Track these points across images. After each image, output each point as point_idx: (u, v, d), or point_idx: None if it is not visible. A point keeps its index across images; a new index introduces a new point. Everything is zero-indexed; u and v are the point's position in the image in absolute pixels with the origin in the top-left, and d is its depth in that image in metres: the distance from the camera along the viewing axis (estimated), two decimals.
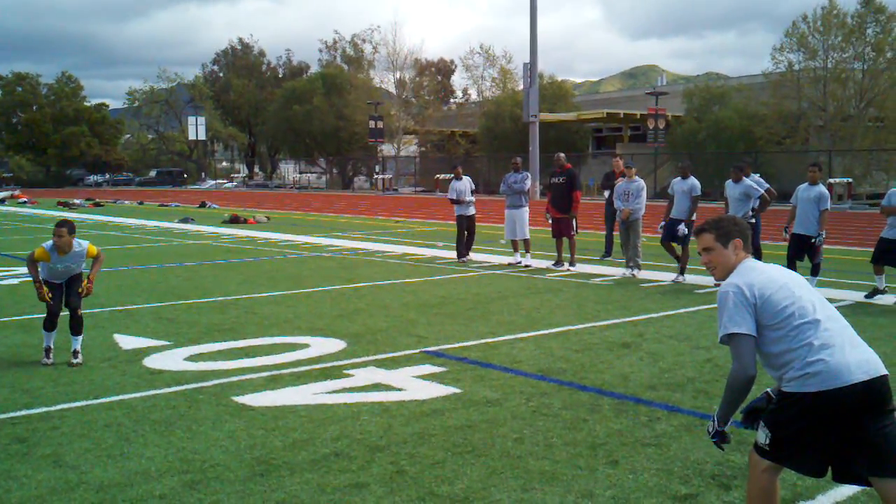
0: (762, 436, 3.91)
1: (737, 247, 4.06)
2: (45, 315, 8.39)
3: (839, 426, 3.70)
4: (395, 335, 9.55)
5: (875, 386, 3.69)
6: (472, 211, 16.92)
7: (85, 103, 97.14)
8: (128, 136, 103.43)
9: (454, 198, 16.95)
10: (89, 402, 6.91)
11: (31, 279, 8.52)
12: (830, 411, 3.68)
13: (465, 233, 16.94)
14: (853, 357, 3.73)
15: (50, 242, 8.33)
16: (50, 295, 8.34)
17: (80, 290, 8.54)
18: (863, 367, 3.70)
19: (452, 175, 17.26)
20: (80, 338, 8.47)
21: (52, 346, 8.42)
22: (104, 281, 14.55)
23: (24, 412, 6.65)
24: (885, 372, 3.76)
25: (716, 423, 4.00)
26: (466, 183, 16.92)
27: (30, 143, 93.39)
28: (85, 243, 8.52)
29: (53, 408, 6.76)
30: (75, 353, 8.37)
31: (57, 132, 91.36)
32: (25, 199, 51.72)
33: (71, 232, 8.31)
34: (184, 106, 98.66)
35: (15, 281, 14.36)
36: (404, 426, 6.23)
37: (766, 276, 3.95)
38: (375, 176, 73.66)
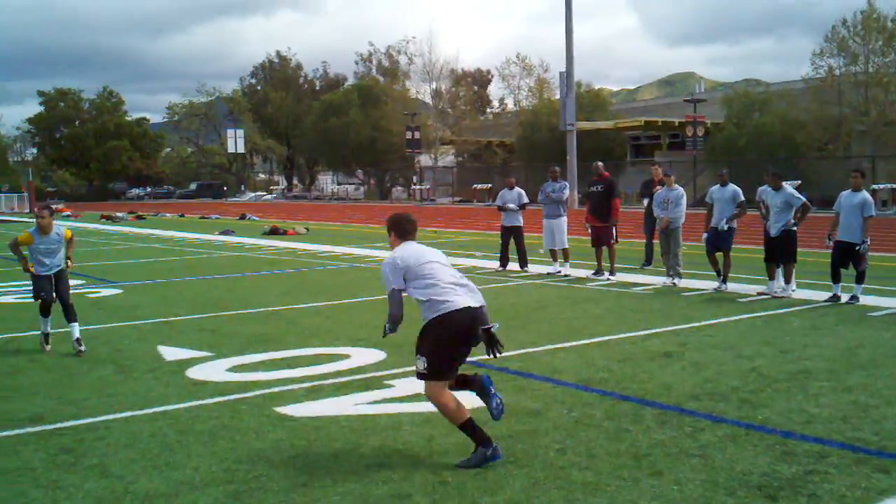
0: (420, 364, 5.72)
1: (395, 237, 6.13)
2: (40, 305, 9.67)
3: (472, 333, 5.72)
4: None
5: (477, 312, 5.75)
6: (518, 222, 16.85)
7: (126, 118, 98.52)
8: (168, 149, 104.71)
9: (500, 204, 16.97)
10: (134, 413, 6.99)
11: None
12: (455, 328, 5.64)
13: (510, 244, 16.86)
14: (465, 298, 5.74)
15: (33, 227, 9.78)
16: (41, 284, 9.69)
17: (67, 278, 9.88)
18: (470, 302, 5.72)
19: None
20: (76, 324, 9.58)
21: (49, 332, 9.67)
22: (148, 292, 14.74)
23: (70, 423, 6.75)
24: (483, 303, 5.86)
25: (388, 328, 5.93)
26: (516, 193, 16.88)
27: (73, 157, 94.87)
28: (62, 226, 10.04)
29: (99, 418, 6.85)
30: (78, 342, 9.45)
31: (99, 146, 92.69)
32: (69, 213, 52.52)
33: (51, 214, 9.90)
34: (222, 119, 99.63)
35: None
36: (446, 437, 6.22)
37: (410, 251, 5.89)
38: (413, 186, 73.86)
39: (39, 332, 9.79)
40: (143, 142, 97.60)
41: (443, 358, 5.69)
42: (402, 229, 6.15)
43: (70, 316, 9.62)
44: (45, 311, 9.64)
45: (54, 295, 9.70)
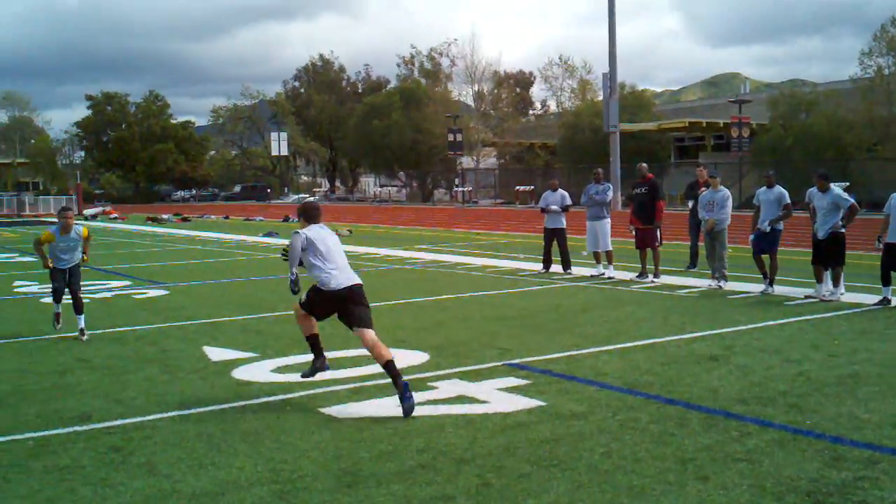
0: (303, 296, 7.64)
1: (303, 221, 7.85)
2: (52, 294, 10.96)
3: (336, 305, 7.52)
4: (477, 347, 9.55)
5: (354, 289, 7.51)
6: (561, 224, 16.79)
7: (171, 121, 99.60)
8: (213, 152, 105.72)
9: (543, 206, 16.94)
10: (181, 413, 7.06)
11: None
12: (330, 297, 7.46)
13: (554, 246, 16.81)
14: (343, 278, 7.50)
15: (55, 227, 10.96)
16: (55, 275, 10.83)
17: (79, 273, 11.00)
18: (345, 282, 7.47)
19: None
20: (83, 316, 10.73)
21: (60, 313, 10.96)
22: (194, 293, 14.91)
23: (118, 422, 6.84)
24: (359, 282, 7.64)
25: (292, 279, 7.77)
26: (559, 195, 16.83)
27: (119, 160, 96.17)
28: (80, 226, 11.12)
29: (147, 418, 6.94)
30: (82, 332, 10.59)
31: (145, 149, 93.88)
32: (116, 215, 53.32)
33: (73, 216, 11.16)
34: (266, 122, 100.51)
35: (108, 294, 14.77)
36: (489, 439, 6.21)
37: (314, 232, 7.67)
38: (455, 188, 73.91)
39: (52, 313, 11.06)
40: (188, 145, 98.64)
41: (312, 303, 7.62)
42: (309, 215, 7.95)
43: (78, 309, 10.71)
44: (57, 297, 10.92)
45: (66, 286, 10.85)
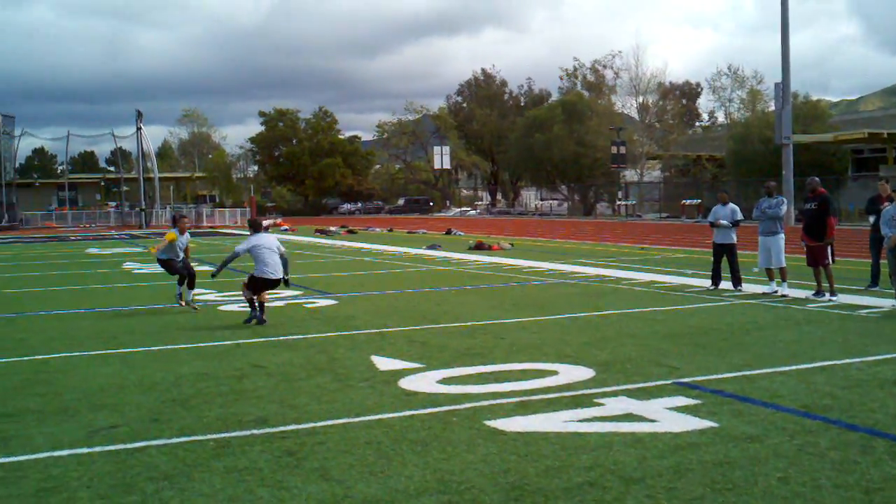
0: (247, 278, 13.02)
1: (253, 231, 13.19)
2: (177, 279, 14.89)
3: (270, 286, 12.91)
4: (645, 365, 9.36)
5: (279, 278, 12.91)
6: (731, 239, 16.29)
7: (339, 136, 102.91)
8: (377, 166, 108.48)
9: (712, 220, 16.50)
10: (351, 420, 7.24)
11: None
12: (262, 281, 12.69)
13: (723, 262, 16.32)
14: (273, 269, 12.76)
15: (174, 229, 15.28)
16: (172, 261, 14.96)
17: (191, 267, 15.06)
18: (276, 273, 12.78)
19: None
20: (193, 291, 14.83)
21: (181, 293, 14.76)
22: (361, 304, 15.28)
23: (292, 427, 7.07)
24: (280, 276, 12.90)
25: (218, 270, 13.70)
26: (729, 210, 16.36)
27: (290, 174, 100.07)
28: (188, 233, 15.54)
29: (319, 424, 7.14)
30: (191, 303, 14.69)
31: (314, 164, 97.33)
32: (287, 227, 55.42)
33: (188, 220, 15.99)
34: (429, 136, 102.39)
35: (281, 303, 15.35)
36: (659, 459, 6.06)
37: (259, 239, 12.90)
38: (618, 202, 72.97)
39: (177, 294, 14.89)
40: (354, 159, 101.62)
41: (255, 285, 12.66)
42: (255, 227, 13.48)
43: (191, 285, 14.78)
44: (180, 282, 14.81)
45: (186, 271, 14.80)
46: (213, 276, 14.18)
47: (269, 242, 12.97)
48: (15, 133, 68.97)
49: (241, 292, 13.44)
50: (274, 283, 12.91)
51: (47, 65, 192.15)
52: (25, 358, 10.44)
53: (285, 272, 13.11)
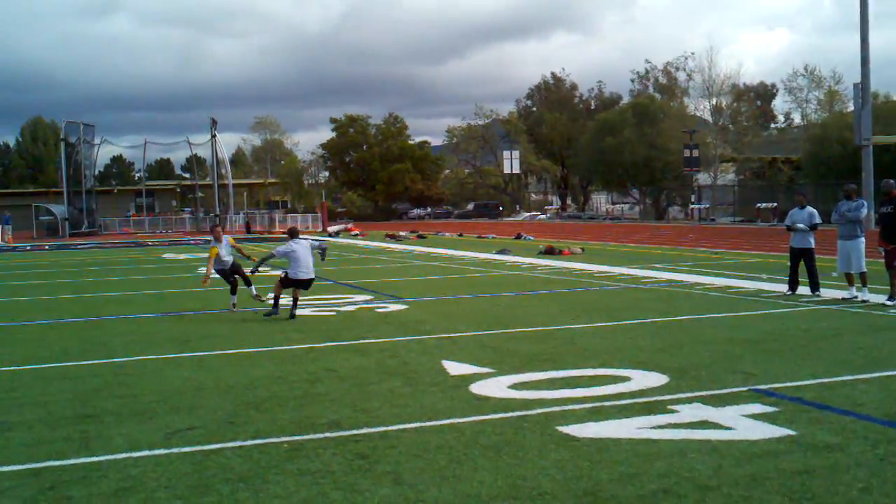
0: (282, 273, 14.75)
1: (290, 237, 14.82)
2: (229, 288, 15.62)
3: (303, 286, 14.50)
4: (720, 371, 9.19)
5: (311, 279, 14.56)
6: (809, 243, 15.92)
7: (409, 141, 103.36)
8: (447, 171, 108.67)
9: (789, 224, 16.16)
10: (422, 424, 7.25)
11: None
12: (294, 281, 14.33)
13: (800, 266, 15.96)
14: (305, 270, 14.33)
15: (214, 242, 15.47)
16: (213, 280, 15.87)
17: (239, 266, 15.67)
18: (308, 274, 14.38)
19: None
20: (250, 287, 15.45)
21: (234, 303, 15.50)
22: (431, 308, 15.32)
23: (364, 430, 7.12)
24: (312, 277, 14.53)
25: (256, 267, 14.94)
26: (807, 213, 16.00)
27: (360, 179, 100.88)
28: (228, 236, 15.92)
29: (390, 427, 7.17)
30: (256, 297, 15.45)
31: (384, 169, 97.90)
32: (357, 232, 55.90)
33: (220, 227, 16.44)
34: (499, 140, 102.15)
35: (352, 308, 15.48)
36: (735, 467, 5.94)
37: (296, 243, 14.46)
38: (691, 206, 71.93)
39: (231, 304, 15.47)
40: (424, 164, 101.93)
41: (288, 284, 14.25)
42: (292, 234, 14.89)
43: (247, 283, 15.46)
44: (233, 290, 15.51)
45: (234, 277, 15.50)
46: (253, 272, 15.00)
47: (304, 246, 14.54)
48: (95, 141, 70.71)
49: (279, 293, 14.63)
50: (306, 283, 14.48)
51: (125, 74, 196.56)
52: (105, 360, 10.71)
53: (322, 257, 15.78)
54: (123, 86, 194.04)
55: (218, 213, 66.84)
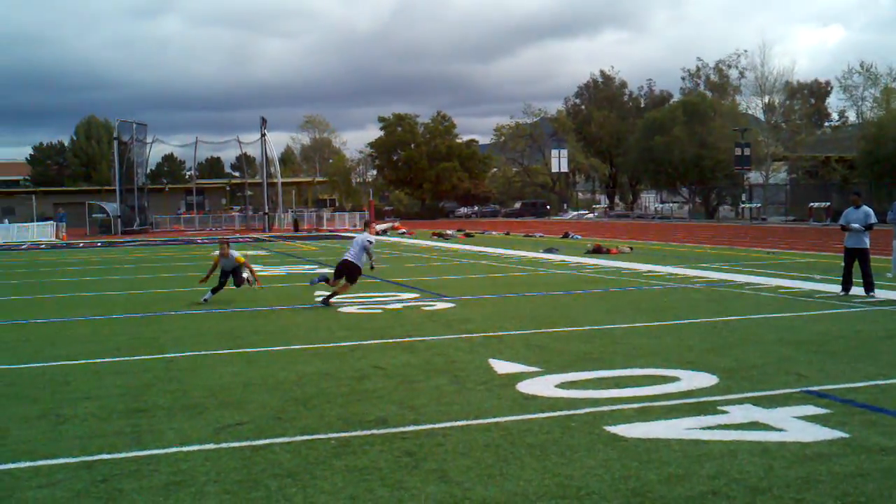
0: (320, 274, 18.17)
1: (370, 228, 17.39)
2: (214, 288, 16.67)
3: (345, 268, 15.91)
4: (771, 372, 9.06)
5: (346, 262, 15.92)
6: (864, 244, 15.64)
7: (456, 140, 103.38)
8: (494, 169, 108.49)
9: (844, 224, 15.90)
10: (469, 422, 7.25)
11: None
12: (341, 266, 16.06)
13: (854, 266, 15.69)
14: (348, 255, 15.93)
15: (217, 252, 16.91)
16: (211, 276, 16.99)
17: (240, 277, 16.88)
18: (347, 257, 15.88)
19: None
20: (238, 287, 16.85)
21: (208, 298, 16.43)
22: (478, 307, 15.30)
23: (411, 427, 7.13)
24: (350, 260, 15.81)
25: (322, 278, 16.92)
26: (862, 213, 15.73)
27: (407, 178, 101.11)
28: (236, 253, 16.88)
29: (437, 425, 7.18)
30: (251, 283, 17.11)
31: (432, 168, 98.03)
32: (404, 230, 56.04)
33: (228, 246, 16.94)
34: (547, 139, 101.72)
35: (399, 305, 15.52)
36: (787, 469, 5.85)
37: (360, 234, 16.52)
38: (741, 205, 71.02)
39: (203, 298, 16.41)
40: (471, 163, 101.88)
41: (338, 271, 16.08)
42: (366, 226, 17.06)
43: (238, 285, 16.84)
44: (214, 291, 16.61)
45: (228, 280, 16.77)
46: (316, 281, 16.96)
47: (359, 238, 16.10)
48: (147, 140, 71.82)
49: (349, 293, 16.13)
50: (347, 266, 15.82)
51: (177, 74, 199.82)
52: (157, 356, 10.86)
53: (371, 262, 16.27)
54: (175, 85, 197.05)
55: (267, 210, 67.41)
